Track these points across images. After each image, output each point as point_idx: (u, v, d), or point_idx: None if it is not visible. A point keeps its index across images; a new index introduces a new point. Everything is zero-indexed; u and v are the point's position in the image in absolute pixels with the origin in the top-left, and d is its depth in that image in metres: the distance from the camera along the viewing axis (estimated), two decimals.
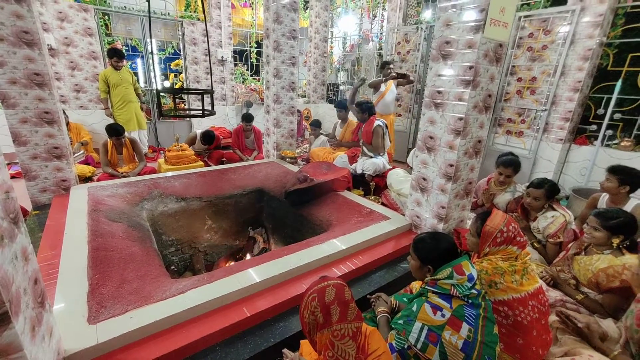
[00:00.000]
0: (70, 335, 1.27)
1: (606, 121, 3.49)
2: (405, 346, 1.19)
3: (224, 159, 4.63)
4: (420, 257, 1.40)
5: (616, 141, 3.60)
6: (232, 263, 3.20)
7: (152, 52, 4.51)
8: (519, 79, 3.91)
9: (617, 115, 3.55)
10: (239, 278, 1.74)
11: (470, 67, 1.93)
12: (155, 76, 2.39)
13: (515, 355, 1.44)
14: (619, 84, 3.37)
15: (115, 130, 3.54)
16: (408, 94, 5.28)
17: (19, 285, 0.86)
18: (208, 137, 4.34)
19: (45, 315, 1.04)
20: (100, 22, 4.84)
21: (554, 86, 3.65)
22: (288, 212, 3.29)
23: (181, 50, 5.45)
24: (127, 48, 5.97)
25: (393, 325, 1.29)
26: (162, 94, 3.52)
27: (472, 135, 2.15)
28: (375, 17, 6.36)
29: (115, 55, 4.31)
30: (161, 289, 1.66)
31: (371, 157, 3.67)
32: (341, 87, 7.90)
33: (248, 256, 3.09)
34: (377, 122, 3.62)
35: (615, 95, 3.39)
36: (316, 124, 5.16)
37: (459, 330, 1.16)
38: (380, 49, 6.36)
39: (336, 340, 0.90)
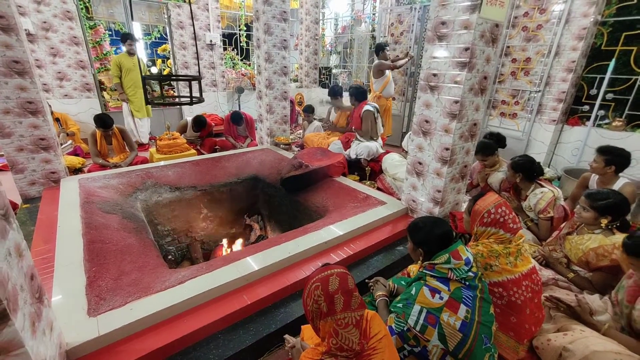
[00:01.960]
0: (71, 329, 1.27)
1: (599, 101, 3.50)
2: (405, 328, 1.22)
3: (216, 147, 4.56)
4: (414, 241, 1.42)
5: (608, 121, 3.64)
6: (230, 251, 3.21)
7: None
8: (514, 60, 3.88)
9: (610, 95, 3.57)
10: (238, 266, 1.74)
11: (466, 49, 1.90)
12: (139, 62, 2.28)
13: (509, 333, 1.49)
14: (612, 63, 3.37)
15: (103, 122, 3.44)
16: (402, 77, 5.21)
17: (15, 282, 0.84)
18: (199, 122, 4.27)
19: (45, 310, 1.03)
20: (80, 4, 4.61)
21: (548, 66, 3.63)
22: (284, 198, 3.28)
23: (168, 34, 5.25)
24: (110, 32, 5.74)
25: (392, 309, 1.31)
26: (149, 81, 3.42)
27: (468, 119, 2.14)
28: None
29: (128, 38, 4.30)
30: (160, 279, 1.66)
31: (361, 141, 3.66)
32: (334, 71, 7.76)
33: (238, 245, 3.09)
34: (366, 107, 3.58)
35: (608, 75, 3.40)
36: (309, 110, 5.09)
37: (456, 312, 1.19)
38: (373, 30, 6.22)
39: (340, 328, 0.91)
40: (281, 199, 3.36)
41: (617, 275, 1.75)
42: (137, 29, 5.47)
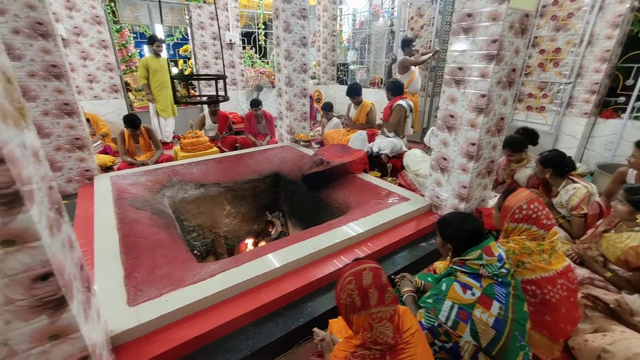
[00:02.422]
0: (113, 317, 1.34)
1: (636, 92, 3.31)
2: (436, 324, 1.21)
3: (237, 144, 4.65)
4: (443, 236, 1.40)
5: None
6: (253, 247, 3.28)
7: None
8: (542, 51, 3.73)
9: None
10: (264, 261, 1.78)
11: (494, 41, 1.84)
12: (167, 63, 2.36)
13: (543, 332, 1.45)
14: None
15: (132, 122, 3.58)
16: (423, 72, 5.11)
17: (69, 271, 0.90)
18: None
19: (93, 298, 1.10)
20: (108, 8, 4.79)
21: (580, 57, 3.46)
22: (305, 195, 3.31)
23: (189, 35, 5.38)
24: (134, 35, 5.93)
25: (422, 304, 1.31)
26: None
27: (495, 113, 2.08)
28: None
29: (156, 40, 4.46)
30: (191, 272, 1.72)
31: (388, 136, 3.62)
32: (351, 67, 7.70)
33: (262, 239, 3.16)
34: (399, 102, 3.55)
35: None
36: (328, 107, 5.08)
37: (489, 308, 1.17)
38: (392, 25, 6.13)
39: (374, 322, 0.92)
40: (302, 196, 3.39)
41: None
42: (160, 31, 5.62)
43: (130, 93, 5.59)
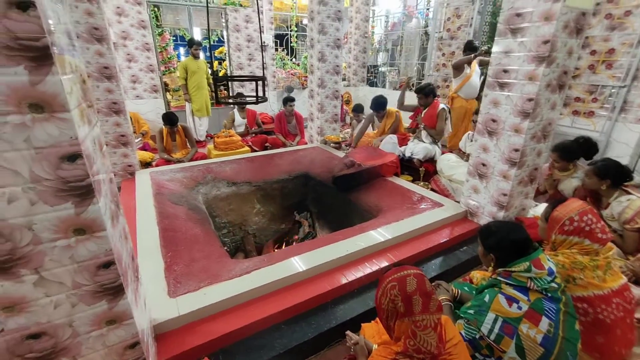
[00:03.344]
0: (155, 307, 1.40)
1: None
2: (477, 336, 1.16)
3: (267, 144, 4.74)
4: (485, 245, 1.34)
5: None
6: (282, 246, 3.32)
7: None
8: (593, 52, 3.48)
9: None
10: (297, 262, 1.79)
11: (546, 42, 1.74)
12: (211, 64, 2.45)
13: (594, 354, 1.35)
14: None
15: (170, 120, 3.75)
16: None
17: (125, 261, 0.95)
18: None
19: (141, 288, 1.15)
20: (152, 14, 5.06)
21: (637, 58, 3.20)
22: (335, 197, 3.30)
23: (225, 37, 5.56)
24: (174, 38, 6.23)
25: (462, 315, 1.26)
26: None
27: (542, 117, 1.97)
28: None
29: (194, 43, 4.65)
30: (226, 268, 1.77)
31: (424, 142, 3.54)
32: (381, 69, 7.62)
33: (290, 239, 3.20)
34: (441, 106, 3.46)
35: None
36: (359, 109, 5.04)
37: (537, 324, 1.11)
38: (426, 26, 6.00)
39: (419, 330, 0.89)
40: (331, 198, 3.39)
41: None
42: (197, 34, 5.87)
43: (168, 93, 5.87)
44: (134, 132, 4.70)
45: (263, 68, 2.32)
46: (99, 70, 2.59)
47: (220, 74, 6.00)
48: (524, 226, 2.18)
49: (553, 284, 1.15)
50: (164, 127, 3.87)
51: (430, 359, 0.91)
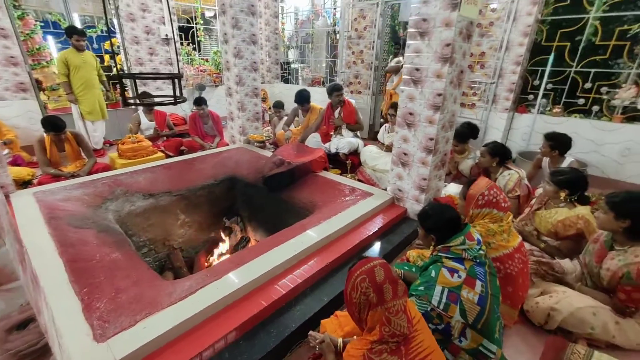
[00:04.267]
0: (81, 358, 1.14)
1: (541, 91, 3.95)
2: (429, 309, 1.30)
3: (183, 148, 4.31)
4: (426, 227, 1.51)
5: (549, 108, 4.12)
6: (217, 256, 3.09)
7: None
8: (471, 54, 4.20)
9: (550, 86, 4.04)
10: (244, 271, 1.70)
11: (448, 44, 2.03)
12: (114, 59, 2.04)
13: (507, 301, 1.66)
14: (551, 57, 3.81)
15: (53, 125, 3.06)
16: (367, 71, 5.36)
17: (45, 312, 0.75)
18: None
19: (62, 340, 0.92)
20: None
21: (500, 60, 4.00)
22: (267, 198, 3.22)
23: (116, 27, 4.77)
24: (42, 23, 5.06)
25: (413, 292, 1.39)
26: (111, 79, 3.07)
27: (448, 110, 2.29)
28: None
29: (75, 33, 3.85)
30: (164, 292, 1.56)
31: (347, 137, 3.73)
32: (292, 66, 7.68)
33: (223, 249, 3.02)
34: (352, 101, 3.68)
35: (548, 68, 3.83)
36: (279, 105, 5.02)
37: (474, 287, 1.30)
38: (334, 25, 6.28)
39: (392, 316, 0.95)
40: (262, 199, 3.30)
41: (581, 242, 2.03)
42: (77, 21, 4.89)
43: (42, 93, 4.76)
44: None
45: (178, 64, 2.08)
46: None
47: (115, 70, 5.13)
48: (450, 206, 2.53)
49: (481, 251, 1.37)
50: (45, 135, 3.13)
51: (402, 341, 0.99)
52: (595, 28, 3.68)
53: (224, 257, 3.21)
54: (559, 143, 2.76)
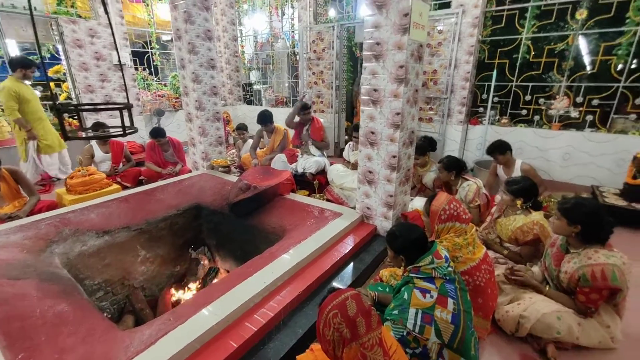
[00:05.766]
0: None
1: (489, 104, 4.26)
2: (405, 333, 1.28)
3: (142, 178, 4.06)
4: (395, 249, 1.50)
5: (498, 119, 4.45)
6: (184, 290, 2.88)
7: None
8: (424, 72, 4.46)
9: (496, 99, 4.38)
10: (212, 310, 1.58)
11: (401, 66, 2.12)
12: (50, 90, 1.86)
13: (479, 313, 1.69)
14: (494, 73, 4.15)
15: None
16: (328, 91, 5.48)
17: None
18: (98, 125, 3.36)
19: None
20: None
21: (451, 77, 4.28)
22: (234, 224, 3.09)
23: (62, 53, 4.48)
24: None
25: (387, 317, 1.36)
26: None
27: (407, 127, 2.37)
28: (284, 14, 6.36)
29: (32, 64, 3.60)
30: (120, 346, 1.39)
31: (314, 155, 3.73)
32: (255, 87, 7.68)
33: (191, 285, 2.84)
34: (321, 119, 3.71)
35: (493, 83, 4.17)
36: (242, 127, 4.95)
37: (446, 306, 1.30)
38: (294, 47, 6.41)
39: (367, 351, 0.91)
40: (230, 226, 3.16)
41: (539, 247, 2.15)
42: (14, 48, 4.53)
43: None
44: None
45: (127, 93, 1.96)
46: None
47: (62, 98, 4.78)
48: (405, 220, 2.57)
49: (449, 268, 1.38)
50: None
51: None
52: (528, 47, 4.08)
53: (191, 292, 3.00)
54: (494, 149, 3.07)
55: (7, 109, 3.53)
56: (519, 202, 2.24)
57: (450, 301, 1.31)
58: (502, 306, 1.82)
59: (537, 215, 2.15)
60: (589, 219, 1.62)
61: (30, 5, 1.39)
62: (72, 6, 4.49)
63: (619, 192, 3.34)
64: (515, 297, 1.83)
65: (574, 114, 3.94)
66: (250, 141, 4.73)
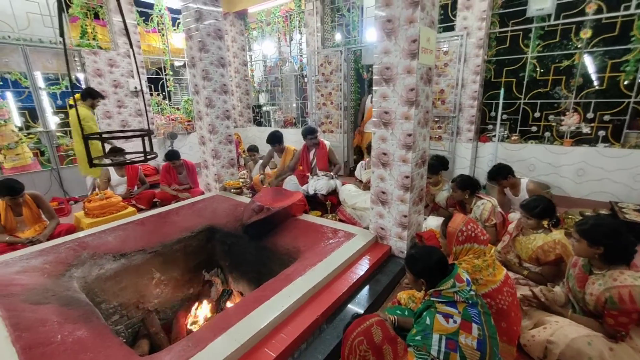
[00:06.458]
0: None
1: (498, 122, 4.28)
2: (429, 359, 1.25)
3: (156, 200, 4.14)
4: (415, 272, 1.49)
5: (507, 136, 4.45)
6: (197, 311, 2.86)
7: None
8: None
9: (505, 116, 4.40)
10: (230, 337, 1.57)
11: (412, 89, 2.17)
12: (78, 118, 1.92)
13: (503, 338, 1.63)
14: (502, 92, 4.19)
15: (10, 189, 2.85)
16: (337, 111, 5.59)
17: None
18: (114, 150, 3.79)
19: None
20: None
21: (458, 96, 4.34)
22: (248, 246, 3.10)
23: (83, 82, 4.72)
24: (0, 83, 4.91)
25: (410, 343, 1.33)
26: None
27: (419, 148, 2.40)
28: (292, 40, 6.60)
29: (99, 96, 4.13)
30: None
31: (324, 177, 3.76)
32: (264, 108, 7.88)
33: (205, 307, 2.82)
34: (327, 143, 3.76)
35: (501, 101, 4.20)
36: (253, 149, 5.05)
37: (470, 331, 1.27)
38: (302, 69, 6.61)
39: None
40: (244, 247, 3.17)
41: (561, 266, 2.09)
42: (40, 79, 4.79)
43: None
44: None
45: (147, 119, 2.05)
46: None
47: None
48: (420, 241, 2.54)
49: (472, 292, 1.36)
50: None
51: None
52: (534, 65, 4.14)
53: (204, 314, 2.98)
54: (496, 173, 3.06)
55: (88, 129, 3.85)
56: (545, 223, 2.21)
57: (474, 326, 1.28)
58: (527, 330, 1.76)
59: (558, 235, 2.11)
60: (611, 240, 1.58)
61: (64, 43, 1.50)
62: (93, 38, 4.76)
63: (639, 208, 3.26)
64: (540, 321, 1.77)
65: (586, 129, 3.92)
66: (261, 162, 4.81)
